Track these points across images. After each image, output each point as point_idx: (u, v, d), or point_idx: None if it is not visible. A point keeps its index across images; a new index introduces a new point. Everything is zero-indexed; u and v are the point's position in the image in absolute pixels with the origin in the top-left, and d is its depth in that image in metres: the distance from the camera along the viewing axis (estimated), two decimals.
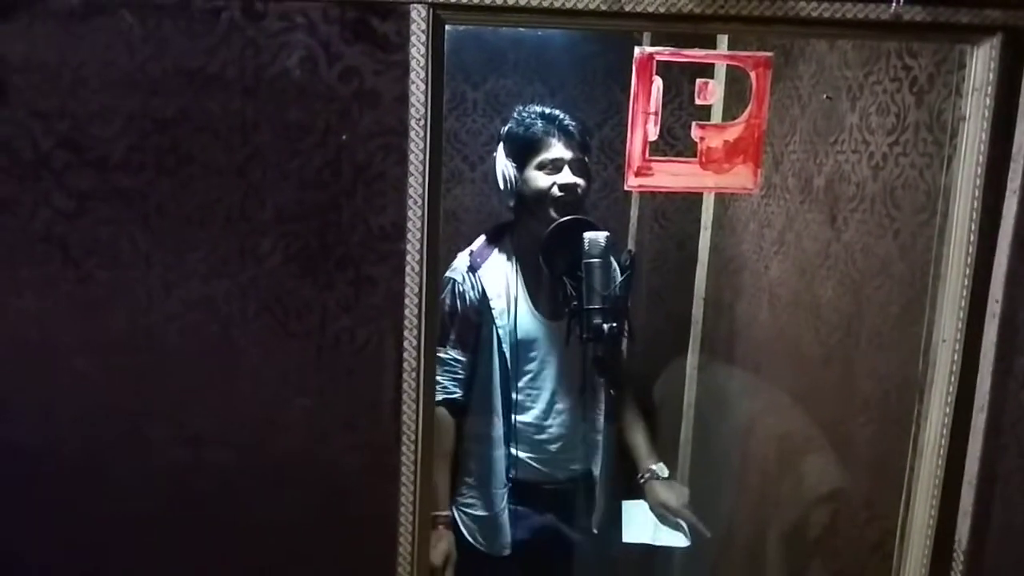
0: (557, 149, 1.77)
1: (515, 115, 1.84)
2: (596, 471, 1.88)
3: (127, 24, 1.07)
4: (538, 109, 1.83)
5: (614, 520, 1.89)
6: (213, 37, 1.07)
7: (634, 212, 2.33)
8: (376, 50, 1.08)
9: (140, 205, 1.10)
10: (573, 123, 1.80)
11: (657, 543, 1.85)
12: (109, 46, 1.07)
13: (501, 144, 1.83)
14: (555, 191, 1.75)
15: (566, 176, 1.76)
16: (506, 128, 1.84)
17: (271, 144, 1.09)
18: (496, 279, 1.83)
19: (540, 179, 1.77)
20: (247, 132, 1.09)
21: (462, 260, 1.86)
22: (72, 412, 1.16)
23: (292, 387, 1.15)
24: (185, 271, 1.12)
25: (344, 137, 1.09)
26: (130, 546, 1.20)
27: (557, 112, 1.81)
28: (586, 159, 1.82)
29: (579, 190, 1.77)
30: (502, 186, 1.81)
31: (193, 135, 1.09)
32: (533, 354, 1.84)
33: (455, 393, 1.82)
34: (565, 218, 1.71)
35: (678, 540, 1.84)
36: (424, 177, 1.11)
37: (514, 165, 1.79)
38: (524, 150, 1.78)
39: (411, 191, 1.11)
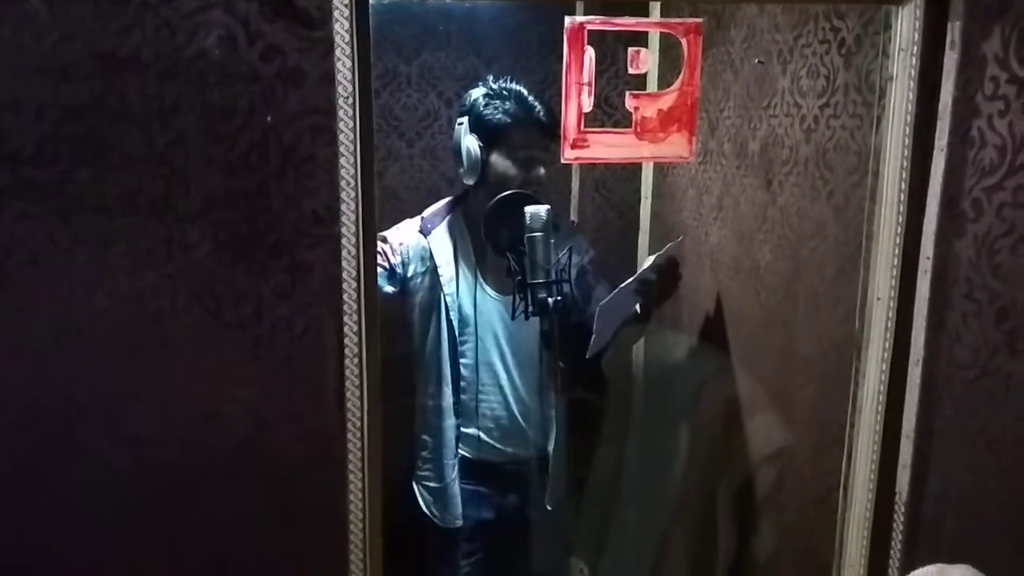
0: (531, 141, 1.74)
1: (485, 89, 1.78)
2: (550, 447, 1.89)
3: (32, 7, 1.01)
4: (514, 89, 1.77)
5: (568, 495, 1.90)
6: (125, 18, 1.02)
7: (575, 183, 2.33)
8: (298, 27, 1.04)
9: (57, 198, 1.05)
10: (547, 113, 1.75)
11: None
12: (15, 32, 1.02)
13: (465, 118, 1.76)
14: (522, 181, 1.73)
15: (536, 170, 1.74)
16: (472, 100, 1.78)
17: (193, 129, 1.05)
18: (445, 247, 1.82)
19: (509, 168, 1.74)
20: (166, 117, 1.04)
21: (413, 221, 1.84)
22: (1, 419, 1.11)
23: (231, 380, 1.12)
24: (110, 265, 1.07)
25: (269, 119, 1.06)
26: (74, 551, 1.16)
27: (532, 100, 1.76)
28: (553, 147, 1.80)
29: (544, 180, 1.76)
30: (465, 163, 1.75)
31: (109, 122, 1.04)
32: (484, 329, 1.83)
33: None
34: (505, 193, 1.69)
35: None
36: (356, 157, 1.08)
37: (480, 145, 1.74)
38: (495, 133, 1.74)
39: (343, 172, 1.08)
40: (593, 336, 1.67)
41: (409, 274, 1.82)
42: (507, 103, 1.75)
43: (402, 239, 1.82)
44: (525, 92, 1.77)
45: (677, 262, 1.71)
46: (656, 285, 1.68)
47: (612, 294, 1.69)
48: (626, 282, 1.68)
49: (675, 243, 1.74)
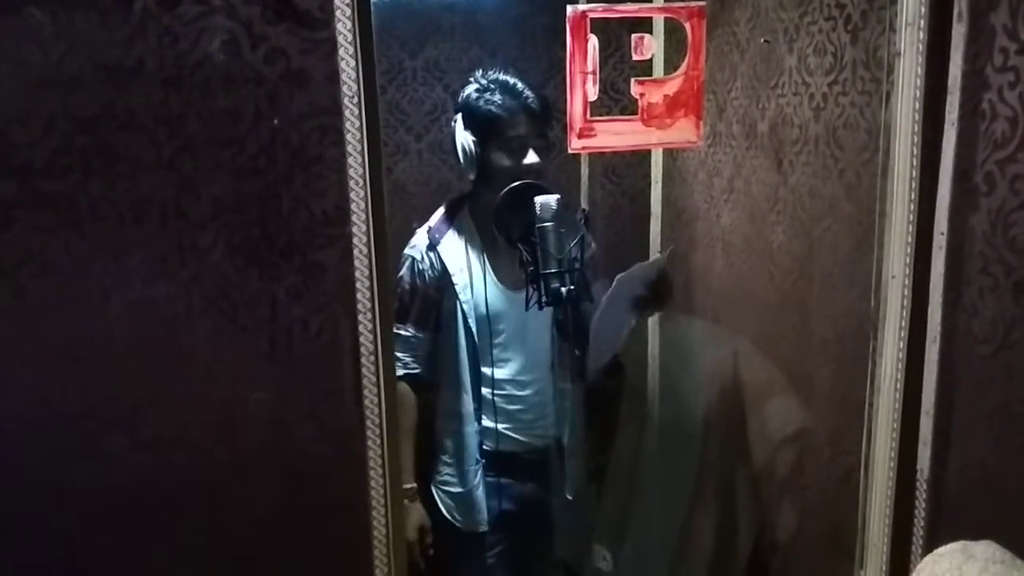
0: (521, 129, 1.72)
1: (475, 82, 1.77)
2: (568, 435, 1.89)
3: (36, 21, 1.02)
4: (501, 79, 1.75)
5: (587, 483, 1.89)
6: (128, 28, 1.02)
7: (585, 170, 2.32)
8: (300, 28, 1.04)
9: (70, 210, 1.06)
10: (538, 100, 1.74)
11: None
12: (20, 46, 1.02)
13: (460, 114, 1.76)
14: (517, 171, 1.71)
15: (530, 157, 1.73)
16: (464, 96, 1.77)
17: (200, 135, 1.06)
18: (456, 254, 1.81)
19: (503, 159, 1.72)
20: (174, 124, 1.05)
21: (421, 237, 1.83)
22: (23, 428, 1.12)
23: (248, 382, 1.13)
24: (124, 274, 1.08)
25: (276, 121, 1.06)
26: (97, 554, 1.18)
27: (521, 87, 1.74)
28: (549, 135, 1.78)
29: (540, 168, 1.74)
30: (461, 159, 1.75)
31: (118, 132, 1.05)
32: (501, 326, 1.82)
33: (416, 368, 1.81)
34: (515, 183, 1.68)
35: None
36: (363, 156, 1.08)
37: (474, 139, 1.73)
38: (485, 126, 1.73)
39: (351, 172, 1.08)
40: (588, 357, 1.67)
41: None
42: (495, 95, 1.73)
43: (415, 256, 1.81)
44: (513, 81, 1.75)
45: (668, 273, 1.70)
46: (647, 299, 1.67)
47: (601, 307, 1.68)
48: (610, 290, 1.66)
49: (662, 256, 1.72)
